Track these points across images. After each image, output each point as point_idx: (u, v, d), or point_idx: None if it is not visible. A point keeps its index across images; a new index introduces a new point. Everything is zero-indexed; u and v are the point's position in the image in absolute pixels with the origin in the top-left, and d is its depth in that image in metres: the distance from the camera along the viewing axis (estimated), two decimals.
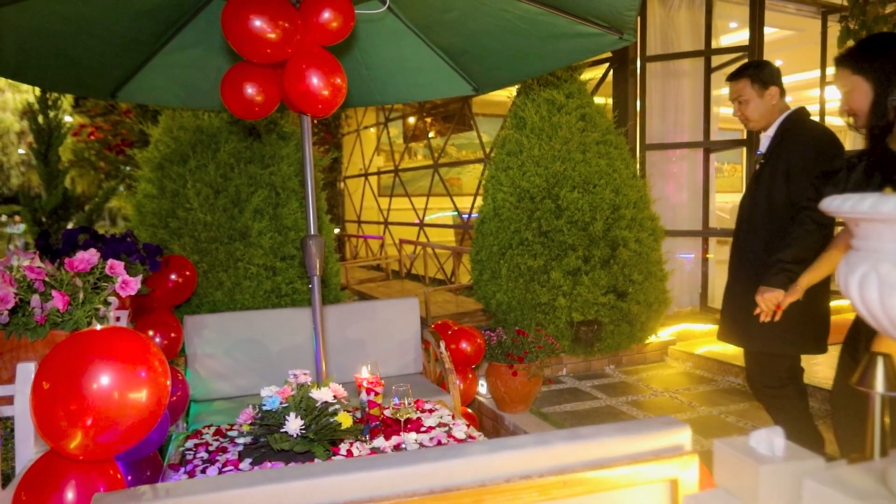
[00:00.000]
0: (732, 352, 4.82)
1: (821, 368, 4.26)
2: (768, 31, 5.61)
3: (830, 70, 6.10)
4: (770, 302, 2.29)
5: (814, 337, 2.59)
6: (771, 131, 2.58)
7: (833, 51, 4.63)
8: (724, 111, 5.81)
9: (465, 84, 3.27)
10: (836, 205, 0.82)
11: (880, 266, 0.78)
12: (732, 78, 2.62)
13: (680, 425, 1.27)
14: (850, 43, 3.66)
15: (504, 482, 1.11)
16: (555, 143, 4.51)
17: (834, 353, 4.74)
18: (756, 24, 4.81)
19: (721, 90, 5.63)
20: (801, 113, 2.54)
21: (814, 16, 5.93)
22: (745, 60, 4.87)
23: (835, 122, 10.93)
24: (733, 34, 6.56)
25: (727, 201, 9.48)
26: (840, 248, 2.20)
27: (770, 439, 0.99)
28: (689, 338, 5.21)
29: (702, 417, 3.76)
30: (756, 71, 2.56)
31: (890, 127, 1.78)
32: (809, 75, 8.33)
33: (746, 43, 4.87)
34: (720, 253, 7.13)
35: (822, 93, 6.19)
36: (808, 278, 2.22)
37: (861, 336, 2.14)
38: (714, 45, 5.28)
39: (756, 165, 2.62)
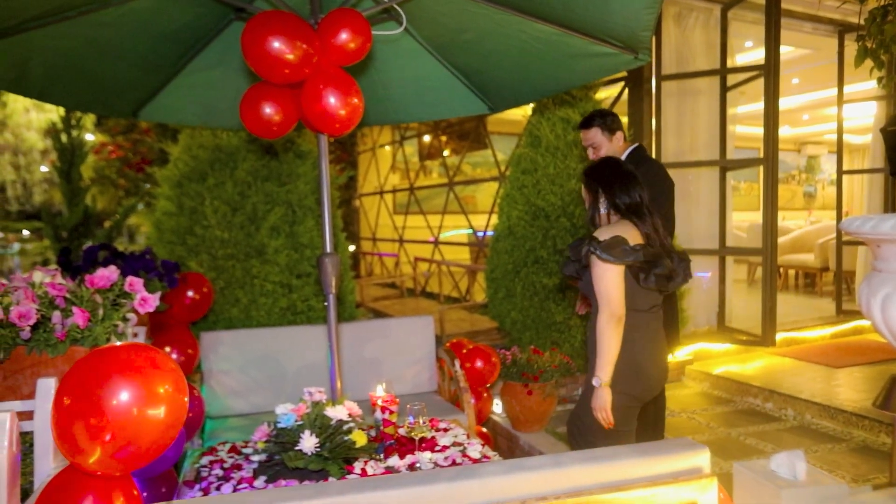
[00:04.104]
0: (751, 372, 4.75)
1: (843, 390, 4.19)
2: (784, 50, 5.60)
3: (848, 89, 6.07)
4: None
5: (675, 338, 3.08)
6: None
7: (850, 69, 4.60)
8: (740, 129, 5.79)
9: (480, 103, 3.30)
10: (856, 225, 0.81)
11: None
12: (583, 127, 2.99)
13: (698, 447, 1.25)
14: (869, 62, 3.64)
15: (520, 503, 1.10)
16: (570, 162, 4.52)
17: (857, 373, 4.66)
18: (772, 43, 4.81)
19: (737, 109, 5.61)
20: (640, 149, 2.99)
21: (830, 35, 5.91)
22: (762, 79, 4.87)
23: (853, 139, 10.84)
24: (749, 53, 6.55)
25: (744, 220, 9.42)
26: None
27: (792, 463, 0.98)
28: (707, 357, 5.15)
29: (720, 439, 3.70)
30: (602, 120, 2.95)
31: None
32: (826, 94, 8.29)
33: (762, 62, 4.87)
34: (738, 272, 7.07)
35: (839, 111, 6.15)
36: None
37: None
38: (729, 63, 5.28)
39: None
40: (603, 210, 2.29)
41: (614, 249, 2.09)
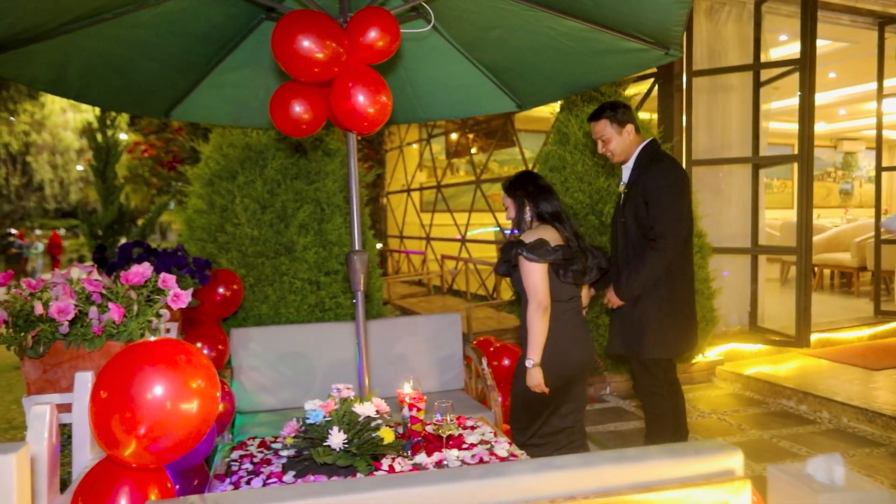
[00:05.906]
0: (784, 373, 4.65)
1: (881, 393, 4.08)
2: (821, 44, 5.46)
3: (888, 82, 5.89)
4: (614, 304, 2.94)
5: (686, 343, 3.01)
6: (630, 163, 2.90)
7: (892, 62, 4.46)
8: (773, 126, 5.66)
9: (508, 100, 3.28)
10: None
11: None
12: (592, 119, 2.94)
13: (730, 449, 1.23)
14: None
15: (549, 503, 1.09)
16: (598, 159, 4.47)
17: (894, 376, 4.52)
18: (808, 37, 4.69)
19: (771, 104, 5.49)
20: (653, 144, 2.89)
21: (870, 27, 5.74)
22: (797, 74, 4.76)
23: (893, 135, 10.52)
24: (783, 47, 6.40)
25: (777, 218, 9.22)
26: None
27: (829, 467, 0.95)
28: (738, 358, 5.06)
29: (752, 441, 3.63)
30: (612, 113, 2.87)
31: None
32: (864, 88, 8.07)
33: (797, 56, 4.75)
34: (771, 271, 6.92)
35: (878, 106, 5.98)
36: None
37: None
38: (763, 58, 5.16)
39: (622, 193, 2.94)
40: (528, 217, 2.62)
41: (538, 250, 2.44)
